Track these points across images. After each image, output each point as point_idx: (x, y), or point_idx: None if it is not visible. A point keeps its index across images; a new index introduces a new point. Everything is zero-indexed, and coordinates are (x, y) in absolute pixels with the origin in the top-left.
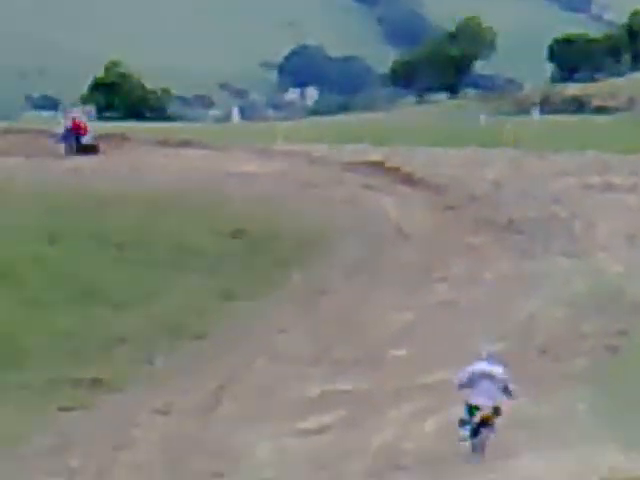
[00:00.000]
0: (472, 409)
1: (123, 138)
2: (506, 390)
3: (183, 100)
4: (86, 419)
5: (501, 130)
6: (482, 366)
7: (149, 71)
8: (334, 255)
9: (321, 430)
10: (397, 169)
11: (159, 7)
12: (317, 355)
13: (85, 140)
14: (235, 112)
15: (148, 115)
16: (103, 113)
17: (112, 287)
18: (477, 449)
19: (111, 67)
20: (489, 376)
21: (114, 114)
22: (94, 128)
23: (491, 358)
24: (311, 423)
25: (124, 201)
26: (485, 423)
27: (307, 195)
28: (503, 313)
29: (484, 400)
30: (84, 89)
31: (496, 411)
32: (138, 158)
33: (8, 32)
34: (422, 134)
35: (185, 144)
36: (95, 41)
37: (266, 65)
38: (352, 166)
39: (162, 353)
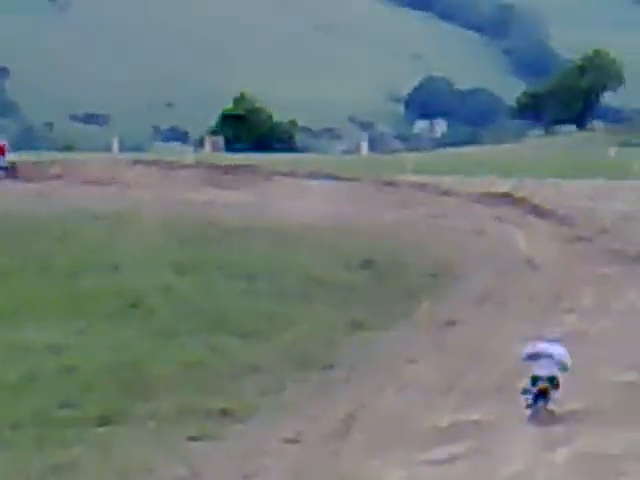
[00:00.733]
0: (534, 380)
1: (251, 170)
2: (562, 366)
3: (311, 132)
4: (215, 449)
5: (630, 162)
6: (544, 346)
7: (276, 103)
8: (463, 286)
9: (452, 459)
10: (525, 200)
11: (286, 41)
12: (446, 385)
13: (2, 162)
14: (364, 144)
15: (276, 147)
16: (231, 145)
17: (241, 318)
18: (533, 417)
19: (240, 100)
20: (549, 355)
21: (242, 146)
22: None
23: (552, 341)
24: (441, 452)
25: (252, 232)
26: (543, 394)
27: (435, 226)
28: (633, 343)
29: (542, 372)
30: (211, 122)
31: (552, 383)
32: (266, 189)
33: (136, 66)
34: (550, 166)
35: (313, 176)
36: (222, 74)
37: (393, 98)
38: (480, 197)
39: (291, 383)
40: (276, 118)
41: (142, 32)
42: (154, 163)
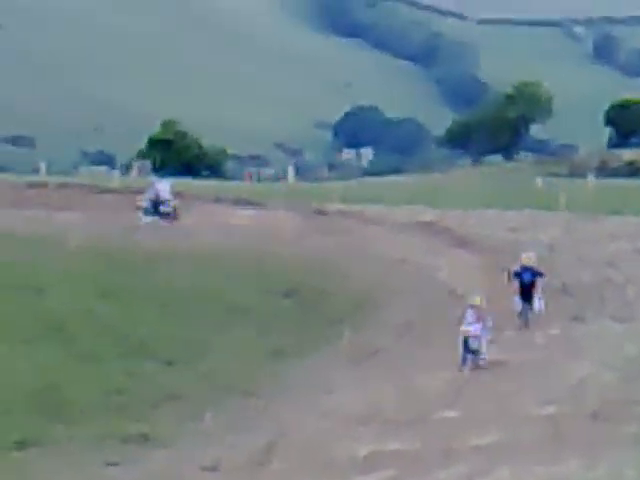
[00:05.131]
0: None
1: (178, 196)
2: None
3: (238, 159)
4: (134, 475)
5: (556, 193)
6: None
7: (205, 129)
8: (385, 315)
9: None
10: (451, 230)
11: (217, 65)
12: (367, 414)
13: None
14: (291, 171)
15: (203, 173)
16: (159, 170)
17: (162, 344)
18: None
19: (167, 124)
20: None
21: (169, 171)
22: None
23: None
24: None
25: (175, 258)
26: None
27: (360, 254)
28: (553, 376)
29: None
30: (140, 146)
31: None
32: (192, 216)
33: (62, 91)
34: (477, 196)
35: (239, 203)
36: (151, 99)
37: (321, 125)
38: (405, 226)
39: (211, 410)
40: (204, 144)
41: (68, 57)
42: (79, 186)
